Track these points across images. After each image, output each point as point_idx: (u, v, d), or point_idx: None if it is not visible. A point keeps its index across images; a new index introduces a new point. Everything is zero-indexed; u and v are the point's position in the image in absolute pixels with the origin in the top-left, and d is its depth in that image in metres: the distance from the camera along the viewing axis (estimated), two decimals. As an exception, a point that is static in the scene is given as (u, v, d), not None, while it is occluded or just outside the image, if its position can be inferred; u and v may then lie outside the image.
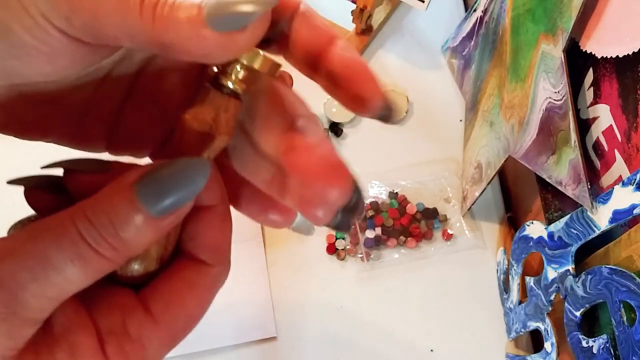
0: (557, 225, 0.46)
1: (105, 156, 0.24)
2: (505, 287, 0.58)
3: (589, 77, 0.44)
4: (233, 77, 0.21)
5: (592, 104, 0.43)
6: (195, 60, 0.19)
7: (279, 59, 0.22)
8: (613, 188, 0.39)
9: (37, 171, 0.22)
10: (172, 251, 0.22)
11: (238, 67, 0.20)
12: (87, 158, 0.22)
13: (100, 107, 0.24)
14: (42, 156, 0.22)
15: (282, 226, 0.25)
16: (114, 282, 0.21)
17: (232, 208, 0.24)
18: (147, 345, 0.20)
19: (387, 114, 0.21)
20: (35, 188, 0.21)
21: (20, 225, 0.21)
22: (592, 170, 0.44)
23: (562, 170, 0.44)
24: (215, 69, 0.21)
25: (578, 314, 0.43)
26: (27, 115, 0.22)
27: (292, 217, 0.25)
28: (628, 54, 0.39)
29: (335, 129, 0.66)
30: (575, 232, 0.44)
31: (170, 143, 0.22)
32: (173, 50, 0.18)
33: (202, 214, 0.22)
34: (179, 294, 0.21)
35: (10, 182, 0.21)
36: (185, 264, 0.21)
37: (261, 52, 0.21)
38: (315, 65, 0.21)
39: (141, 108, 0.24)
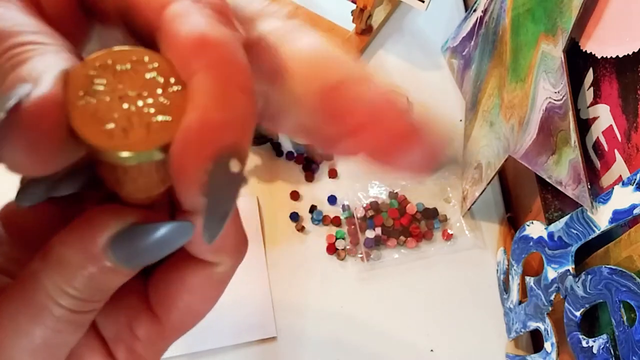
0: (557, 225, 0.46)
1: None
2: (505, 287, 0.58)
3: (589, 77, 0.44)
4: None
5: (592, 104, 0.43)
6: None
7: None
8: (613, 188, 0.39)
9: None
10: None
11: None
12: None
13: None
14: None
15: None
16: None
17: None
18: (156, 342, 0.20)
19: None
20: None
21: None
22: (592, 170, 0.44)
23: (562, 170, 0.44)
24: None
25: (578, 314, 0.43)
26: None
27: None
28: (628, 54, 0.39)
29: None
30: (575, 232, 0.44)
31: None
32: None
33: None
34: (183, 296, 0.20)
35: (18, 202, 0.20)
36: (187, 264, 0.20)
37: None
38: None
39: None
